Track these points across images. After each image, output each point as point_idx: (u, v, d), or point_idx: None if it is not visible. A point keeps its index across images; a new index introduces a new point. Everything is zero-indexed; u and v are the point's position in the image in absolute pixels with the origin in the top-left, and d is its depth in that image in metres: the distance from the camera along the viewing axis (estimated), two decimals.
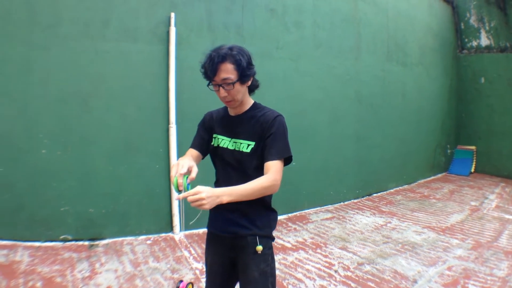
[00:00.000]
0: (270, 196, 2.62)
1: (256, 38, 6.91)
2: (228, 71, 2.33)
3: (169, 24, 6.02)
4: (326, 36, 7.95)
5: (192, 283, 2.49)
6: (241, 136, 2.50)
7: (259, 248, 2.49)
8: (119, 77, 5.80)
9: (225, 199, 2.12)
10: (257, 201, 2.43)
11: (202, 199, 2.01)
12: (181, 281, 2.47)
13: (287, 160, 2.44)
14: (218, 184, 2.62)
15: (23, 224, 5.42)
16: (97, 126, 5.70)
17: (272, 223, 2.66)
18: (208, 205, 2.04)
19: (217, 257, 2.68)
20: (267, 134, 2.42)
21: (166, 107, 6.06)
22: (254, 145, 2.45)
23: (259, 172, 2.44)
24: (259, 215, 2.56)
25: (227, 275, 2.67)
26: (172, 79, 6.03)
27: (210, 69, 2.33)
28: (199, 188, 2.05)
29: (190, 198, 2.02)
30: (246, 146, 2.47)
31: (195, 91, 6.14)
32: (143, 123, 5.97)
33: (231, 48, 2.37)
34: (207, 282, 2.78)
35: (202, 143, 2.68)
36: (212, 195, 2.06)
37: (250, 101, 2.61)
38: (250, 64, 2.44)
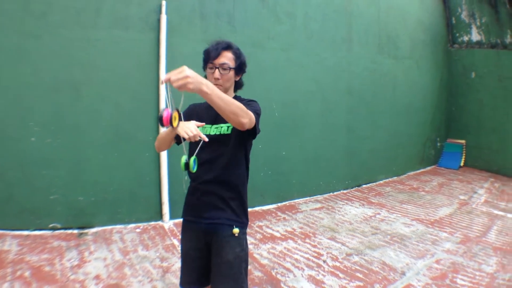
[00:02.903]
0: (245, 185, 2.74)
1: (248, 27, 6.91)
2: (228, 58, 2.59)
3: (160, 12, 6.00)
4: (318, 27, 7.96)
5: (178, 110, 2.19)
6: (221, 121, 2.60)
7: (236, 230, 2.58)
8: (110, 65, 5.78)
9: (205, 89, 2.02)
10: (233, 187, 2.62)
11: (187, 77, 1.92)
12: (165, 109, 2.11)
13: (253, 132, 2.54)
14: (199, 168, 2.63)
15: (12, 213, 5.40)
16: (88, 114, 5.68)
17: (246, 210, 2.75)
18: (193, 85, 1.94)
19: (193, 242, 2.72)
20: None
21: (157, 95, 6.06)
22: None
23: (238, 153, 2.63)
24: (234, 199, 2.65)
25: (204, 260, 2.70)
26: (163, 67, 6.02)
27: (214, 51, 2.57)
28: (183, 67, 1.96)
29: (174, 77, 1.91)
30: (226, 128, 2.60)
31: None
32: (134, 111, 5.96)
33: (234, 44, 2.67)
34: (183, 269, 2.82)
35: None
36: (197, 76, 1.98)
37: (232, 94, 2.76)
38: (245, 63, 2.74)
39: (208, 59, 2.59)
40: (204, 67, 2.66)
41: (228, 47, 2.61)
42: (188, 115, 2.75)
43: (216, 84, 2.52)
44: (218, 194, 2.59)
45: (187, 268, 2.79)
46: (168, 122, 2.07)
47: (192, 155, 2.51)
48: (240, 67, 2.67)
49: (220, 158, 2.58)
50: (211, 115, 2.63)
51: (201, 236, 2.65)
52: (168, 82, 1.94)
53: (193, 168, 2.36)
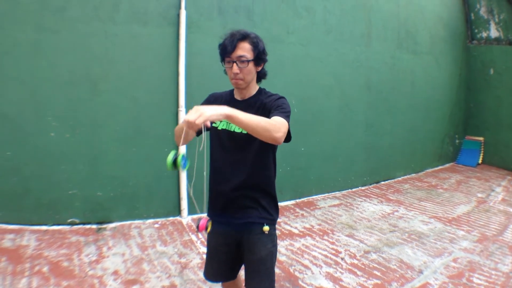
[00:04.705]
0: (274, 183, 2.72)
1: (267, 22, 6.88)
2: (245, 49, 2.45)
3: (179, 7, 5.99)
4: (337, 22, 7.91)
5: (212, 220, 2.53)
6: None
7: (266, 228, 2.57)
8: (128, 60, 5.79)
9: (229, 112, 2.01)
10: (263, 187, 2.60)
11: (204, 112, 1.92)
12: (201, 218, 2.47)
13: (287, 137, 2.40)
14: (219, 167, 2.65)
15: (30, 208, 5.45)
16: (106, 109, 5.70)
17: (277, 206, 2.74)
18: (209, 111, 1.94)
19: (222, 238, 2.73)
20: (272, 109, 2.45)
21: (176, 90, 6.05)
22: None
23: (263, 155, 2.56)
24: (265, 197, 2.63)
25: (233, 254, 2.73)
26: (182, 63, 6.01)
27: (230, 45, 2.43)
28: (195, 106, 1.98)
29: (192, 117, 1.90)
30: None
31: (204, 74, 6.13)
32: (152, 106, 5.97)
33: (250, 32, 2.50)
34: (211, 263, 2.85)
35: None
36: (214, 107, 1.99)
37: (256, 87, 2.68)
38: (265, 50, 2.57)
39: (225, 53, 2.47)
40: (222, 62, 2.55)
41: (243, 37, 2.46)
42: None
43: (236, 80, 2.48)
44: (248, 196, 2.57)
45: (215, 262, 2.82)
46: (203, 228, 2.44)
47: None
48: (259, 57, 2.52)
49: (247, 159, 2.53)
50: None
51: (231, 233, 2.67)
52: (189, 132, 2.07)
53: (184, 166, 2.17)
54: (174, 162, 2.13)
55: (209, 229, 2.45)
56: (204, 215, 2.43)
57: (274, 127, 2.15)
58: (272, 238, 2.64)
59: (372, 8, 8.54)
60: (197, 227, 2.37)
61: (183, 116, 5.98)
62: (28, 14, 5.24)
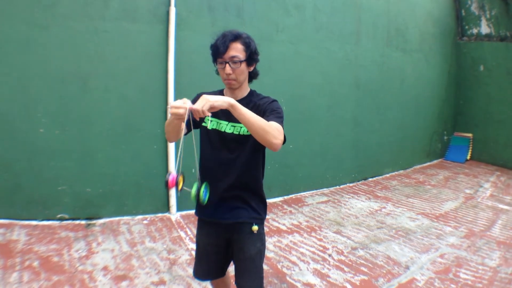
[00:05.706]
0: (262, 182, 2.74)
1: (256, 20, 6.88)
2: (238, 50, 2.47)
3: (169, 4, 5.99)
4: (327, 20, 7.91)
5: (183, 174, 2.30)
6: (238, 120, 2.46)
7: (255, 228, 2.61)
8: (118, 57, 5.79)
9: (232, 102, 2.11)
10: (253, 187, 2.63)
11: (209, 99, 2.03)
12: (170, 173, 2.21)
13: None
14: (209, 167, 2.65)
15: (20, 203, 5.46)
16: (95, 106, 5.70)
17: (265, 205, 2.78)
18: (214, 98, 2.06)
19: (212, 238, 2.75)
20: (266, 112, 2.46)
21: (165, 87, 6.06)
22: None
23: (253, 156, 2.58)
24: (254, 198, 2.67)
25: (223, 253, 2.76)
26: (171, 60, 6.01)
27: (222, 45, 2.43)
28: (203, 96, 2.07)
29: (199, 106, 2.01)
30: (246, 129, 2.41)
31: (193, 71, 6.13)
32: (142, 104, 5.98)
33: (242, 32, 2.52)
34: (200, 263, 2.86)
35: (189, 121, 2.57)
36: (216, 96, 2.10)
37: (247, 89, 2.70)
38: (257, 50, 2.60)
39: (217, 54, 2.47)
40: (214, 62, 2.56)
41: (235, 38, 2.46)
42: None
43: (229, 81, 2.50)
44: (239, 196, 2.60)
45: (204, 262, 2.84)
46: (173, 184, 2.19)
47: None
48: (251, 57, 2.54)
49: (238, 160, 2.55)
50: (226, 112, 2.31)
51: (221, 233, 2.69)
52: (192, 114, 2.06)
53: (204, 198, 2.27)
54: (197, 193, 2.23)
55: (180, 185, 2.25)
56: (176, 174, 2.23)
57: (273, 131, 2.19)
58: (261, 237, 2.68)
59: (362, 6, 8.55)
60: (166, 183, 2.19)
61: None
62: (19, 10, 5.23)
